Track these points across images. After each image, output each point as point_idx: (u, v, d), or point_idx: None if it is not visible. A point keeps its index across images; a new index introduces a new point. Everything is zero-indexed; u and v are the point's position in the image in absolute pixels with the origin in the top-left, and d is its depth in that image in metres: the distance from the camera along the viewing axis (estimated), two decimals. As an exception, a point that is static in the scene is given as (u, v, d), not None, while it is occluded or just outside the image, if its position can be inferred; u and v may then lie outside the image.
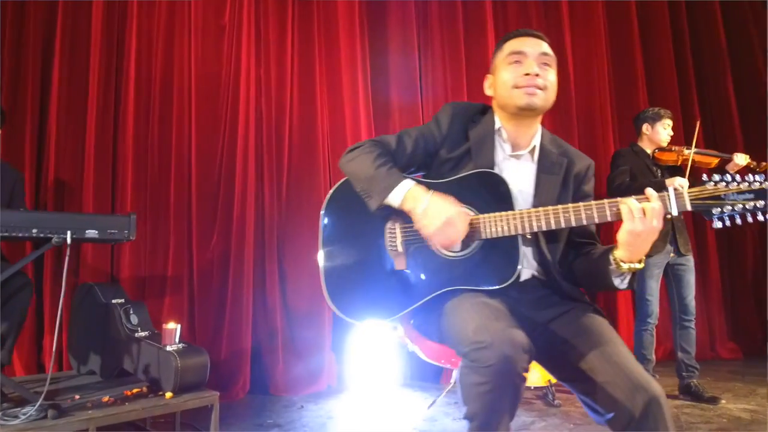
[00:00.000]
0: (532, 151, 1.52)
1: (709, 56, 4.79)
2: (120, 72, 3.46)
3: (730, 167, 3.09)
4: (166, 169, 3.45)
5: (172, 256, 3.40)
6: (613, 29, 4.62)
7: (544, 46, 1.49)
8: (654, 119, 3.29)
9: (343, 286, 1.45)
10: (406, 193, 1.37)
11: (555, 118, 4.21)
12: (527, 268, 1.47)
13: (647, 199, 1.27)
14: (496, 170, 1.48)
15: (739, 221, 1.26)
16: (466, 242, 1.38)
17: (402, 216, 1.42)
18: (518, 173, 1.49)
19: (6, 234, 1.93)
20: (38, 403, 1.89)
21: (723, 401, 3.00)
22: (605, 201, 1.31)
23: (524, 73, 1.44)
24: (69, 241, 2.02)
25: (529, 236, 1.42)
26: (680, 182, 2.97)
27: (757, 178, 1.25)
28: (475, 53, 4.15)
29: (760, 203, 1.24)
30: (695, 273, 3.25)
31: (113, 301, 2.56)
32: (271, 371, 3.48)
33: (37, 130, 3.26)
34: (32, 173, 3.20)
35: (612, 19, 4.62)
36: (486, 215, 1.38)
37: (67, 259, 2.02)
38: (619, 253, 1.30)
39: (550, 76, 1.47)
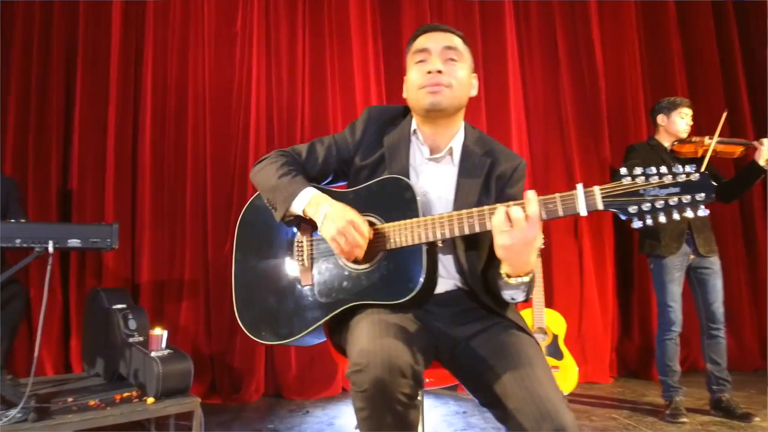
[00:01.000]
0: (451, 153, 1.41)
1: (756, 34, 4.34)
2: (138, 83, 3.60)
3: (757, 156, 2.79)
4: (182, 175, 3.55)
5: (188, 260, 3.49)
6: (646, 10, 4.29)
7: (451, 40, 1.38)
8: (669, 109, 3.02)
9: (249, 301, 1.40)
10: (309, 201, 1.31)
11: (581, 113, 3.98)
12: (448, 278, 1.37)
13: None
14: (413, 175, 1.39)
15: (663, 219, 1.09)
16: (371, 255, 1.29)
17: (312, 229, 1.36)
18: (438, 177, 1.40)
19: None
20: (20, 406, 1.97)
21: (757, 419, 2.71)
22: (485, 208, 1.19)
23: (427, 71, 1.34)
24: (51, 250, 2.09)
25: (440, 244, 1.30)
26: None
27: (686, 169, 1.09)
28: (493, 48, 3.99)
29: (687, 198, 1.06)
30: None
31: (114, 306, 2.64)
32: (285, 375, 3.50)
33: (62, 141, 3.45)
34: (58, 182, 3.40)
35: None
36: (389, 224, 1.28)
37: (49, 267, 2.09)
38: (503, 267, 1.19)
39: (458, 72, 1.37)
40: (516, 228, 1.11)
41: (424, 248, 1.25)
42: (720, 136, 2.90)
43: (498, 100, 3.95)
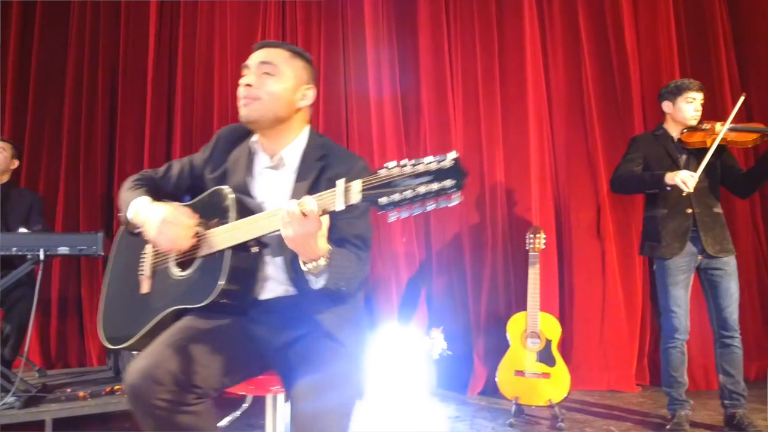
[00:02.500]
0: (283, 161, 1.44)
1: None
2: (171, 97, 3.94)
3: None
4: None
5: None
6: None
7: (269, 55, 1.41)
8: (674, 94, 2.72)
9: (107, 310, 1.50)
10: (137, 209, 1.37)
11: (608, 103, 3.72)
12: (278, 285, 1.40)
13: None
14: (253, 184, 1.45)
15: (419, 210, 1.02)
16: (190, 262, 1.36)
17: None
18: (275, 185, 1.44)
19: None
20: (10, 394, 2.26)
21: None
22: (277, 209, 1.20)
23: (241, 83, 1.41)
24: (42, 257, 2.37)
25: (254, 250, 1.33)
26: (683, 177, 2.47)
27: (438, 157, 1.01)
28: (509, 37, 3.85)
29: (436, 185, 0.98)
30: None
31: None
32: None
33: (107, 152, 3.88)
34: (104, 189, 3.83)
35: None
36: (207, 231, 1.33)
37: (40, 273, 2.37)
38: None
39: (268, 85, 1.39)
40: (294, 222, 1.12)
41: (228, 253, 1.28)
42: (736, 122, 2.60)
43: (514, 92, 3.80)
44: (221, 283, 1.26)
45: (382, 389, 3.47)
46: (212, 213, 1.36)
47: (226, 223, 1.31)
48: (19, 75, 3.95)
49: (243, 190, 1.42)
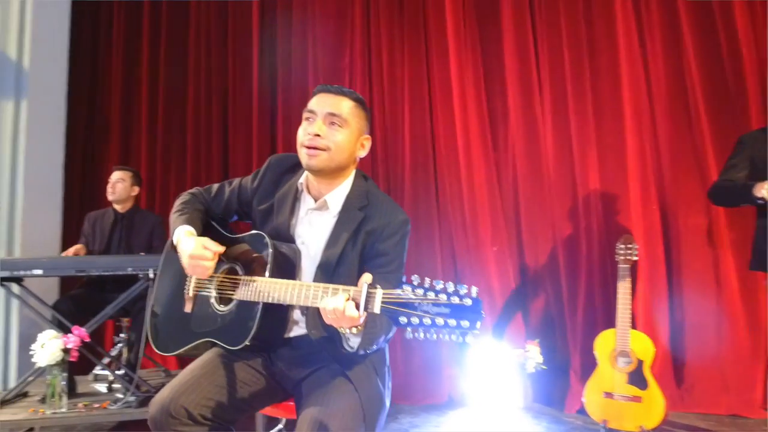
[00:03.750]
0: (327, 205, 1.49)
1: None
2: (274, 123, 4.29)
3: None
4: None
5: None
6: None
7: (337, 106, 1.44)
8: None
9: (155, 320, 1.65)
10: (179, 237, 1.48)
11: (717, 94, 3.31)
12: (301, 326, 1.47)
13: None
14: (296, 225, 1.52)
15: (430, 337, 1.03)
16: (228, 299, 1.46)
17: None
18: (317, 227, 1.50)
19: (110, 272, 2.74)
20: (129, 393, 2.61)
21: None
22: (321, 287, 1.27)
23: (309, 132, 1.44)
24: (151, 275, 2.72)
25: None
26: None
27: (460, 290, 1.02)
28: (600, 29, 3.59)
29: (452, 322, 1.01)
30: None
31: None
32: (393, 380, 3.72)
33: (222, 172, 4.28)
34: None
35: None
36: (243, 277, 1.43)
37: (150, 289, 2.72)
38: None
39: (337, 137, 1.43)
40: (330, 316, 1.20)
41: (261, 305, 1.37)
42: None
43: (607, 88, 3.55)
44: (253, 332, 1.36)
45: (474, 401, 3.46)
46: (251, 255, 1.47)
47: (264, 275, 1.39)
48: (149, 106, 4.52)
49: (285, 230, 1.51)
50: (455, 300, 1.01)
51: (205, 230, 1.58)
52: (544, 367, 3.35)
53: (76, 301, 3.04)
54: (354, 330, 1.22)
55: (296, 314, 1.49)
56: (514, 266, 3.69)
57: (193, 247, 1.42)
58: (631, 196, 3.43)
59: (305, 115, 1.48)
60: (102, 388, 3.06)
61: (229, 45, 4.41)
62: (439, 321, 1.02)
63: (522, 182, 3.72)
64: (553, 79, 3.68)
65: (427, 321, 1.02)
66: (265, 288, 1.36)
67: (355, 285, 1.29)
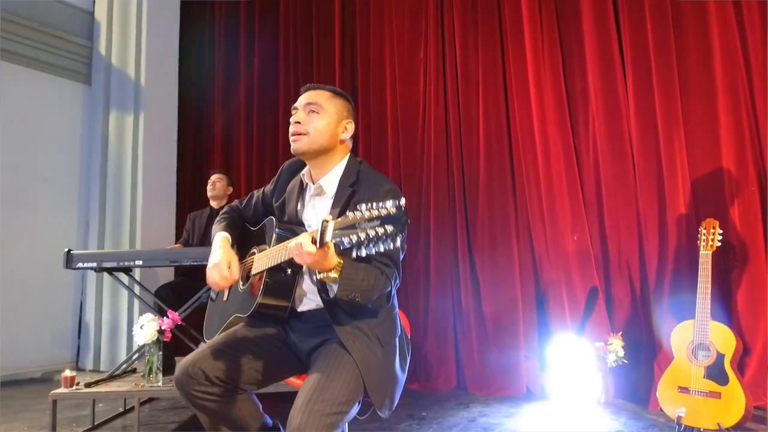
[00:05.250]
0: (322, 189, 1.62)
1: None
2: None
3: None
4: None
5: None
6: None
7: (314, 96, 1.62)
8: None
9: (208, 313, 1.89)
10: (214, 242, 1.71)
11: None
12: (311, 298, 1.59)
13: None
14: (303, 211, 1.67)
15: (372, 250, 1.14)
16: (247, 278, 1.63)
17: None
18: (319, 209, 1.64)
19: (198, 263, 3.06)
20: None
21: None
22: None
23: (292, 122, 1.62)
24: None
25: (289, 272, 1.53)
26: None
27: (389, 204, 1.13)
28: (687, 7, 3.31)
29: (381, 230, 1.11)
30: None
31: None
32: (469, 369, 3.75)
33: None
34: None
35: None
36: (257, 255, 1.60)
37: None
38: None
39: (315, 122, 1.59)
40: (301, 253, 1.31)
41: (265, 274, 1.53)
42: None
43: (695, 60, 3.28)
44: (259, 300, 1.53)
45: (551, 394, 3.37)
46: (266, 237, 1.67)
47: (267, 248, 1.59)
48: (246, 114, 4.94)
49: (295, 217, 1.68)
50: (383, 212, 1.13)
51: (240, 233, 1.81)
52: (625, 361, 3.18)
53: (175, 289, 3.45)
54: (332, 274, 1.35)
55: (306, 285, 1.61)
56: (596, 255, 3.52)
57: (219, 258, 1.61)
58: (726, 178, 3.13)
59: (292, 112, 1.66)
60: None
61: (314, 45, 4.67)
62: (372, 232, 1.13)
63: (603, 166, 3.54)
64: (636, 55, 3.44)
65: (363, 235, 1.14)
66: (265, 257, 1.54)
67: (333, 254, 1.40)
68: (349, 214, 1.18)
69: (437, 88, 4.09)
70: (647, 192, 3.37)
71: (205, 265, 3.05)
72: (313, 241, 1.27)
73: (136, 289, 3.30)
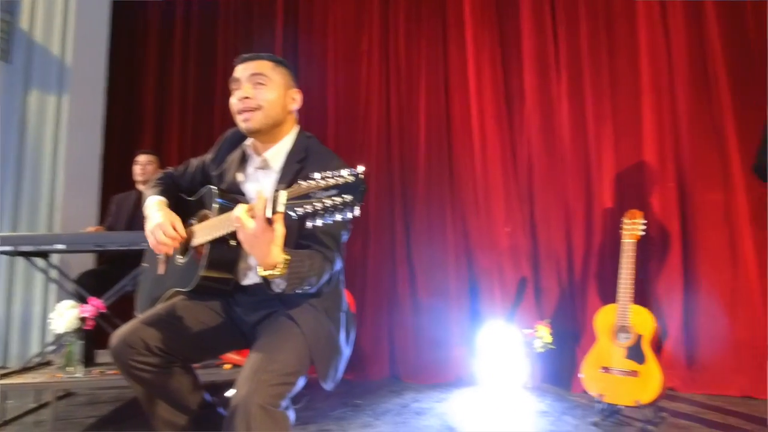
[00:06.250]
0: (268, 163, 1.56)
1: None
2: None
3: None
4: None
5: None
6: None
7: (258, 67, 1.52)
8: None
9: (140, 288, 1.81)
10: (148, 206, 1.62)
11: (742, 62, 3.16)
12: (255, 273, 1.54)
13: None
14: (244, 184, 1.60)
15: (327, 220, 1.09)
16: (187, 250, 1.56)
17: None
18: (263, 184, 1.56)
19: (126, 247, 2.91)
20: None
21: None
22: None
23: (239, 98, 1.52)
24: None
25: (233, 243, 1.44)
26: None
27: (345, 172, 1.08)
28: (617, 2, 3.49)
29: (339, 200, 1.06)
30: None
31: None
32: (402, 359, 3.77)
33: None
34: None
35: None
36: (196, 226, 1.54)
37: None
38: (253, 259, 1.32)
39: (265, 94, 1.51)
40: (240, 224, 1.25)
41: (208, 246, 1.46)
42: None
43: (624, 61, 3.46)
44: (201, 273, 1.47)
45: (481, 379, 3.46)
46: (205, 208, 1.58)
47: (209, 218, 1.51)
48: (181, 99, 4.74)
49: (236, 188, 1.60)
50: (340, 180, 1.08)
51: (175, 201, 1.70)
52: (552, 346, 3.31)
53: (99, 277, 3.26)
54: (277, 271, 1.27)
55: (252, 260, 1.55)
56: (527, 246, 3.65)
57: (161, 219, 1.53)
58: (647, 173, 3.33)
59: (232, 86, 1.56)
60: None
61: (254, 33, 4.55)
62: (328, 202, 1.08)
63: (536, 161, 3.67)
64: (570, 55, 3.61)
65: (318, 205, 1.09)
66: (207, 228, 1.47)
67: (296, 235, 1.41)
68: (302, 183, 1.13)
69: (380, 79, 4.10)
70: (576, 186, 3.52)
71: (134, 251, 2.97)
72: (252, 213, 1.22)
73: (55, 276, 3.09)
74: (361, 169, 1.10)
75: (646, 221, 2.76)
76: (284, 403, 1.32)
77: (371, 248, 3.93)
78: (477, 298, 3.71)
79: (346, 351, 1.56)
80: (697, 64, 3.29)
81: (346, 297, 1.65)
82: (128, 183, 4.11)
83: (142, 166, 3.65)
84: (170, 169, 1.82)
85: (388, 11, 4.16)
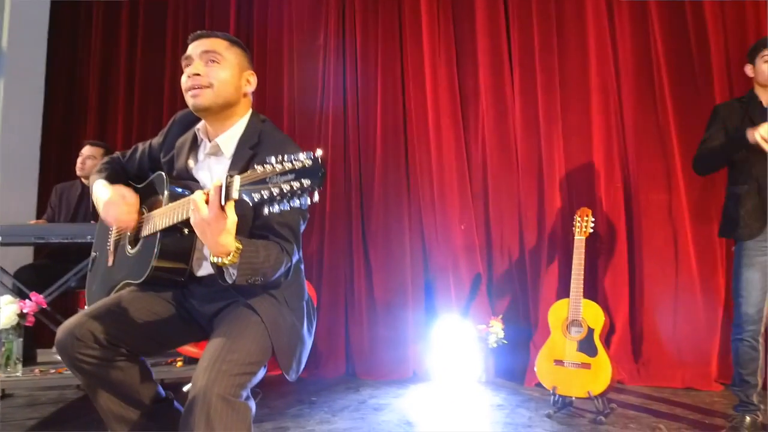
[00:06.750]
0: (219, 149, 1.50)
1: None
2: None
3: None
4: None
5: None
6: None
7: (211, 44, 1.47)
8: (752, 55, 2.38)
9: (88, 278, 1.72)
10: (95, 191, 1.55)
11: (685, 68, 3.33)
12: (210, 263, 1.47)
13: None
14: (195, 171, 1.54)
15: (284, 206, 1.05)
16: (136, 240, 1.50)
17: None
18: (215, 171, 1.51)
19: (69, 240, 2.77)
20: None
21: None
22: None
23: (189, 74, 1.46)
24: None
25: (186, 231, 1.40)
26: (763, 132, 2.12)
27: (302, 156, 1.04)
28: (569, 4, 3.60)
29: (297, 184, 1.02)
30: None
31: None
32: (359, 356, 3.76)
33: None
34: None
35: None
36: (146, 215, 1.47)
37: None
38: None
39: (218, 73, 1.45)
40: (194, 209, 1.20)
41: (159, 235, 1.40)
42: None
43: (574, 64, 3.56)
44: (153, 263, 1.39)
45: (437, 375, 3.49)
46: (154, 195, 1.50)
47: (161, 206, 1.44)
48: (127, 87, 4.54)
49: (187, 175, 1.53)
50: (297, 165, 1.04)
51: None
52: (505, 341, 3.38)
53: (39, 271, 3.08)
54: (228, 259, 1.23)
55: (206, 250, 1.46)
56: (481, 244, 3.71)
57: (110, 194, 1.47)
58: (596, 174, 3.45)
59: (183, 63, 1.50)
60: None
61: (206, 26, 4.41)
62: (286, 187, 1.04)
63: (491, 160, 3.73)
64: (523, 57, 3.69)
65: (276, 191, 1.04)
66: (158, 216, 1.40)
67: (251, 224, 1.38)
68: (258, 167, 1.08)
69: (336, 75, 4.06)
70: (528, 184, 3.61)
71: (77, 244, 2.82)
72: (207, 200, 1.17)
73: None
74: (319, 152, 1.06)
75: (594, 219, 2.86)
76: (245, 393, 1.28)
77: (327, 245, 3.89)
78: (432, 294, 3.74)
79: (308, 341, 1.52)
80: (643, 70, 3.44)
81: (307, 288, 1.62)
82: (69, 174, 3.91)
83: (83, 159, 3.44)
84: (117, 154, 1.74)
85: (345, 5, 4.13)
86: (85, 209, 3.39)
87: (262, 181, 1.07)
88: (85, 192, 3.42)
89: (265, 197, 1.05)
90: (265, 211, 1.07)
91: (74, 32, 4.66)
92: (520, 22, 3.71)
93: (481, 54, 3.80)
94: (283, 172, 1.05)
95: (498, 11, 3.78)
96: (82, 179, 3.47)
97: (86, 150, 3.48)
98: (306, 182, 1.03)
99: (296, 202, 1.05)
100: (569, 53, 3.59)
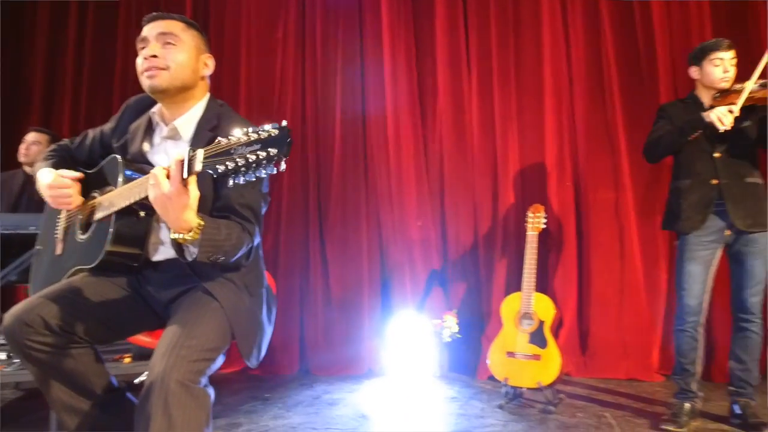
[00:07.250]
0: (177, 132, 1.48)
1: None
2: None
3: None
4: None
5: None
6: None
7: (168, 26, 1.45)
8: (699, 57, 2.47)
9: (33, 270, 1.66)
10: (39, 177, 1.50)
11: (633, 71, 3.46)
12: (168, 247, 1.45)
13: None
14: (151, 155, 1.51)
15: (252, 177, 1.05)
16: (88, 225, 1.46)
17: None
18: (172, 155, 1.42)
19: (11, 231, 2.63)
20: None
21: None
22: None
23: (145, 56, 1.44)
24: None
25: (142, 214, 1.38)
26: (719, 113, 2.22)
27: (268, 126, 1.05)
28: (526, 6, 3.69)
29: (263, 154, 1.02)
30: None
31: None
32: (313, 352, 3.73)
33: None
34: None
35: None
36: (98, 199, 1.43)
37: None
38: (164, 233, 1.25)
39: (175, 55, 1.43)
40: (154, 183, 1.18)
41: (114, 218, 1.36)
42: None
43: (529, 65, 3.65)
44: (107, 247, 1.35)
45: (391, 370, 3.50)
46: (109, 179, 1.46)
47: (114, 189, 1.40)
48: (75, 72, 4.35)
49: (142, 159, 1.49)
50: (263, 135, 1.04)
51: None
52: (459, 335, 3.43)
53: (-24, 264, 2.92)
54: (190, 235, 1.21)
55: (163, 233, 1.46)
56: (437, 240, 3.75)
57: (51, 178, 1.43)
58: (548, 172, 3.55)
59: (139, 46, 1.47)
60: (2, 355, 2.95)
61: (161, 5, 4.28)
62: (252, 157, 1.03)
63: (447, 157, 3.78)
64: (481, 56, 3.75)
65: (241, 161, 1.04)
66: (113, 198, 1.36)
67: (211, 205, 1.36)
68: (222, 139, 1.08)
69: (295, 70, 4.02)
70: (483, 181, 3.68)
71: (19, 235, 2.68)
72: (168, 175, 1.16)
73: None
74: (285, 123, 1.06)
75: (546, 215, 2.93)
76: (204, 380, 1.26)
77: (283, 240, 3.86)
78: (389, 290, 3.76)
79: (268, 328, 1.52)
80: (594, 73, 3.56)
81: (267, 276, 1.60)
82: (11, 163, 3.73)
83: (27, 145, 3.32)
84: (65, 141, 1.69)
85: (306, 1, 4.10)
86: (27, 200, 3.24)
87: (227, 152, 1.07)
88: (29, 181, 3.27)
89: (230, 167, 1.05)
90: (230, 182, 1.07)
91: (20, 11, 4.44)
92: (479, 21, 3.77)
93: (439, 52, 3.84)
94: (249, 143, 1.05)
95: (457, 10, 3.83)
96: (25, 168, 3.31)
97: (30, 136, 3.34)
98: (273, 151, 1.03)
99: (262, 172, 1.05)
100: (525, 53, 3.67)
